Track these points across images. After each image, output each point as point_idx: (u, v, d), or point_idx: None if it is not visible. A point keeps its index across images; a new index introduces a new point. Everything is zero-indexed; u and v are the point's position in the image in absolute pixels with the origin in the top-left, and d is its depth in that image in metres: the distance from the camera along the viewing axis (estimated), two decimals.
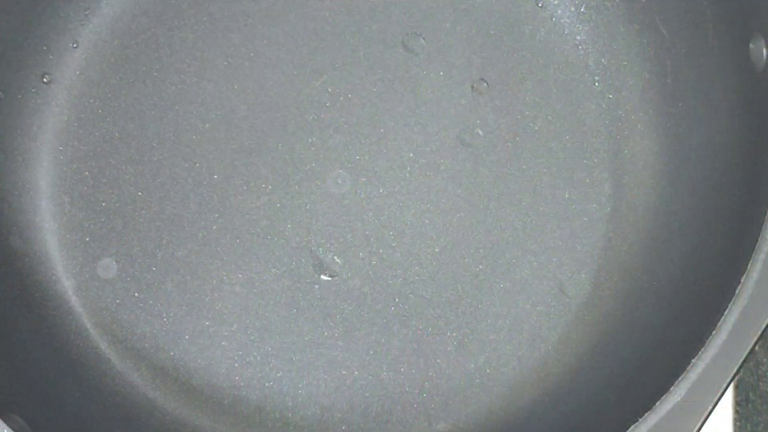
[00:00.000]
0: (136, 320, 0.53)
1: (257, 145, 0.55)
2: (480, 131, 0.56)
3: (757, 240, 0.43)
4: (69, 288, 0.54)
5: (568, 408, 0.51)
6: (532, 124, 0.56)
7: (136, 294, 0.54)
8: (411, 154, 0.55)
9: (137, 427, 0.52)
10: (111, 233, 0.54)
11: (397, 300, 0.54)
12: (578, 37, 0.56)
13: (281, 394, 0.53)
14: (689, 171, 0.53)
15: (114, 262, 0.54)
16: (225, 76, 0.56)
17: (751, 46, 0.48)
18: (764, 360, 0.59)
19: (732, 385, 0.43)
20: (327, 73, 0.56)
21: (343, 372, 0.53)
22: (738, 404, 0.58)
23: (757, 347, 0.42)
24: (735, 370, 0.42)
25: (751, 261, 0.43)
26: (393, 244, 0.54)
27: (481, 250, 0.54)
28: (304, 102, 0.55)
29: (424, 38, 0.56)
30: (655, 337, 0.50)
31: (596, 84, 0.56)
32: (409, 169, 0.55)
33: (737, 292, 0.42)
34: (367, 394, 0.53)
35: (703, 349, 0.42)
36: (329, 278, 0.54)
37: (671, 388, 0.41)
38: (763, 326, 0.42)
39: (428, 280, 0.54)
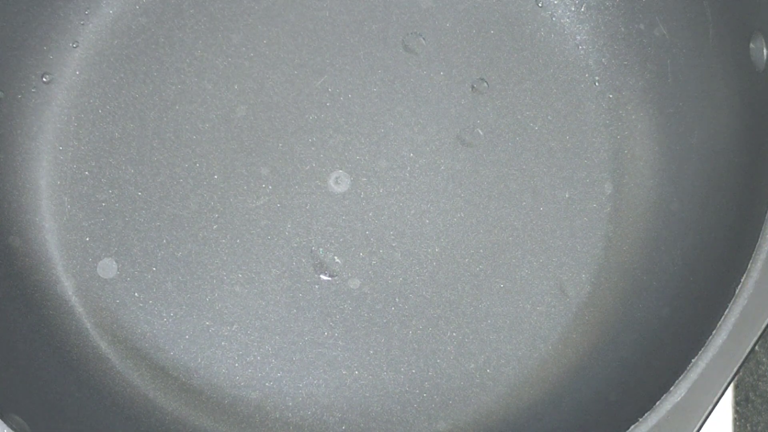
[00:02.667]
0: (136, 320, 0.53)
1: (257, 145, 0.55)
2: (480, 131, 0.55)
3: (757, 240, 0.43)
4: (69, 288, 0.54)
5: (569, 408, 0.51)
6: (532, 124, 0.56)
7: (136, 294, 0.54)
8: (411, 154, 0.55)
9: (137, 427, 0.52)
10: (111, 233, 0.54)
11: (397, 300, 0.54)
12: (578, 37, 0.56)
13: (281, 394, 0.53)
14: (689, 171, 0.53)
15: (114, 262, 0.54)
16: (225, 76, 0.56)
17: (752, 45, 0.48)
18: (764, 360, 0.59)
19: (732, 385, 0.43)
20: (327, 73, 0.56)
21: (343, 372, 0.53)
22: (738, 404, 0.58)
23: (757, 347, 0.42)
24: (735, 370, 0.42)
25: (751, 261, 0.43)
26: (393, 244, 0.54)
27: (481, 250, 0.54)
28: (305, 102, 0.55)
29: (424, 38, 0.56)
30: (655, 337, 0.50)
31: (596, 84, 0.56)
32: (409, 169, 0.55)
33: (737, 291, 0.42)
34: (367, 394, 0.53)
35: (703, 349, 0.42)
36: (329, 278, 0.54)
37: (671, 388, 0.41)
38: (763, 326, 0.42)
39: (428, 280, 0.54)
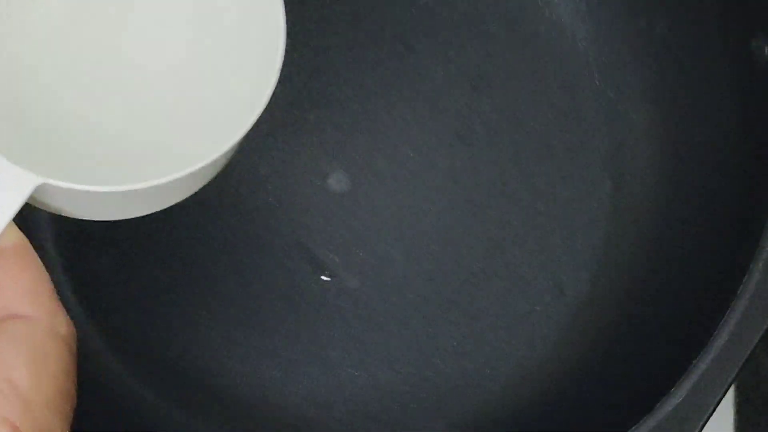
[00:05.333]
0: (134, 321, 0.53)
1: (256, 144, 0.55)
2: (479, 129, 0.55)
3: (759, 240, 0.43)
4: (68, 288, 0.53)
5: (568, 408, 0.51)
6: (532, 122, 0.55)
7: (135, 294, 0.53)
8: (410, 153, 0.55)
9: (136, 428, 0.52)
10: (107, 232, 0.54)
11: (395, 299, 0.54)
12: (579, 35, 0.56)
13: (279, 394, 0.53)
14: (690, 170, 0.53)
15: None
16: None
17: (753, 44, 0.47)
18: (765, 361, 0.59)
19: (733, 386, 0.42)
20: (326, 71, 0.56)
21: (341, 372, 0.53)
22: (739, 405, 0.58)
23: (758, 348, 0.42)
24: (736, 372, 0.42)
25: (752, 261, 0.42)
26: (391, 243, 0.54)
27: (480, 249, 0.54)
28: (303, 101, 0.55)
29: (424, 36, 0.56)
30: (656, 337, 0.50)
31: (597, 82, 0.56)
32: (408, 167, 0.55)
33: (738, 292, 0.42)
34: (365, 394, 0.53)
35: (704, 350, 0.42)
36: (327, 278, 0.54)
37: (672, 390, 0.41)
38: (765, 327, 0.42)
39: (426, 279, 0.54)
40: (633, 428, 0.41)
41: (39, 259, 0.37)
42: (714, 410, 0.42)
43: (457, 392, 0.53)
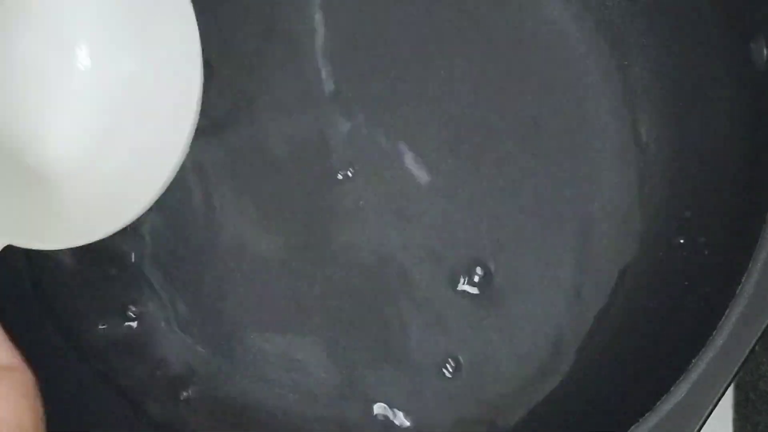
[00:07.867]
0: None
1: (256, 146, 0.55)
2: (481, 132, 0.55)
3: (758, 240, 0.43)
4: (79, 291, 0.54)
5: (569, 409, 0.51)
6: (534, 125, 0.55)
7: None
8: (412, 154, 0.55)
9: (136, 427, 0.52)
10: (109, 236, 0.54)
11: (398, 300, 0.54)
12: (579, 37, 0.56)
13: (282, 394, 0.53)
14: (690, 170, 0.53)
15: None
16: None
17: (752, 45, 0.48)
18: (764, 360, 0.59)
19: (732, 385, 0.43)
20: (333, 74, 0.56)
21: (344, 371, 0.53)
22: (738, 404, 0.58)
23: (757, 347, 0.42)
24: (735, 370, 0.42)
25: (751, 261, 0.43)
26: (394, 244, 0.54)
27: (482, 251, 0.54)
28: (306, 101, 0.55)
29: (425, 39, 0.56)
30: (655, 337, 0.50)
31: (598, 84, 0.56)
32: (409, 168, 0.55)
33: (738, 292, 0.42)
34: (368, 393, 0.53)
35: (703, 349, 0.42)
36: (330, 277, 0.54)
37: (671, 389, 0.41)
38: (764, 326, 0.42)
39: (429, 280, 0.54)
40: (633, 427, 0.41)
41: None
42: (713, 409, 0.42)
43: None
